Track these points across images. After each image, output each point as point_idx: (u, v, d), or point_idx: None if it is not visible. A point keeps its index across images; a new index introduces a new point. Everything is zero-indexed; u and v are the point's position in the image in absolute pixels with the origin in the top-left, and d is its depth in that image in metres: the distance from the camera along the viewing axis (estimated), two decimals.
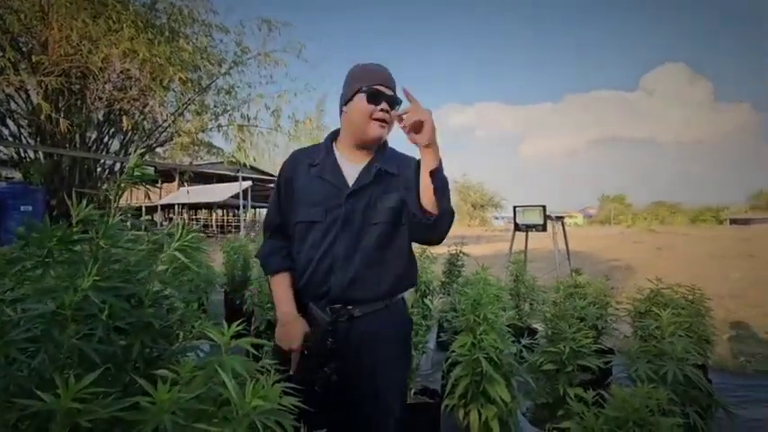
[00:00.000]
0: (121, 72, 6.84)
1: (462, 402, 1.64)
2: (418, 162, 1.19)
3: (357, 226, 1.23)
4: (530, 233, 4.57)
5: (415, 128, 1.09)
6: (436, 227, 1.14)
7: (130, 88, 7.28)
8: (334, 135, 1.38)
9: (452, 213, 1.17)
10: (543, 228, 4.20)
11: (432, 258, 3.52)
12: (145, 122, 8.24)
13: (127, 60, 6.55)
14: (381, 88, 1.24)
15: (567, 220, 4.81)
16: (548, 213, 4.30)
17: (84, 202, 0.85)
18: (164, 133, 8.75)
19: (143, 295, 0.84)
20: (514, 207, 4.43)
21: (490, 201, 51.55)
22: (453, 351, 1.66)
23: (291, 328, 1.22)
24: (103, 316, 0.76)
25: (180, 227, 0.87)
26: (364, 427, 1.25)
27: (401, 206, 1.25)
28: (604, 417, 1.22)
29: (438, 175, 1.11)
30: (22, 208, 7.49)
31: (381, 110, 1.23)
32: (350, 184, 1.26)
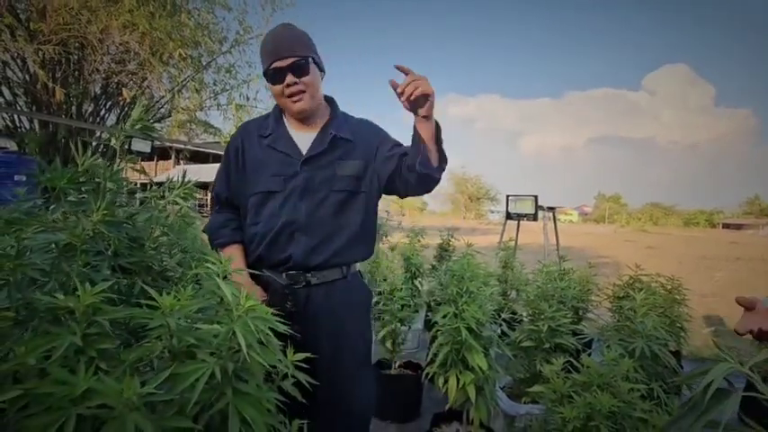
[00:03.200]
0: (120, 44, 6.77)
1: (443, 370, 1.73)
2: (374, 127, 1.34)
3: (317, 194, 1.24)
4: (522, 225, 4.66)
5: (419, 100, 1.06)
6: (438, 176, 1.22)
7: (129, 62, 7.22)
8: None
9: (441, 171, 1.23)
10: (534, 217, 4.28)
11: (424, 245, 3.61)
12: (143, 97, 8.19)
13: (126, 33, 6.48)
14: (277, 64, 1.19)
15: (561, 217, 4.90)
16: (539, 204, 4.39)
17: (89, 151, 0.91)
18: (161, 110, 8.70)
19: (145, 238, 0.90)
20: (507, 196, 4.51)
21: (487, 194, 51.75)
22: (436, 322, 1.74)
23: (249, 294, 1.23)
24: (109, 253, 0.83)
25: (180, 177, 0.93)
26: (326, 392, 1.23)
27: (362, 174, 1.28)
28: (572, 381, 1.31)
29: (439, 140, 1.16)
30: (15, 178, 7.47)
31: (287, 85, 1.20)
32: (303, 153, 1.26)
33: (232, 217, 1.33)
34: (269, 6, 8.18)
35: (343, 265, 1.29)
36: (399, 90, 1.06)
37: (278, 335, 1.07)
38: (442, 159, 1.20)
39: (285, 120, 1.33)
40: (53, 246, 0.78)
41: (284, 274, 1.24)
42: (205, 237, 1.36)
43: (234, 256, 1.26)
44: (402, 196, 1.34)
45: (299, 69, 1.20)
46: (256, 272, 1.24)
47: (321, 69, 1.30)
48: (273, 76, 1.21)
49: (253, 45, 8.58)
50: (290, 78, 1.19)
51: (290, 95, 1.22)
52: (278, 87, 1.22)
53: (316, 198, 1.24)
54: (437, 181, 1.24)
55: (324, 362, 1.23)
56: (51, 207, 0.82)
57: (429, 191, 1.29)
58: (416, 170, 1.15)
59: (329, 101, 1.39)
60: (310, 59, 1.23)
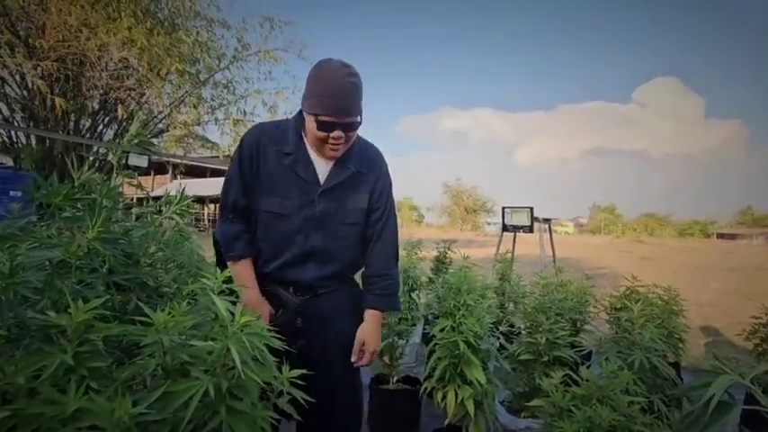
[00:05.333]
0: (119, 61, 6.84)
1: (441, 385, 1.71)
2: (381, 161, 1.41)
3: (333, 224, 1.29)
4: (518, 236, 4.68)
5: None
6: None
7: (127, 78, 7.29)
8: (302, 121, 1.28)
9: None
10: (530, 229, 4.30)
11: (421, 257, 3.60)
12: (141, 113, 8.22)
13: (125, 49, 6.55)
14: (333, 120, 1.16)
15: (557, 229, 4.93)
16: (535, 216, 4.41)
17: (86, 166, 0.91)
18: (159, 125, 8.74)
19: (140, 255, 0.89)
20: (503, 208, 4.53)
21: (483, 206, 51.88)
22: (434, 335, 1.73)
23: (258, 311, 1.25)
24: (104, 270, 0.82)
25: (177, 194, 0.93)
26: (334, 394, 1.33)
27: (366, 206, 1.34)
28: (571, 394, 1.30)
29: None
30: (11, 193, 7.43)
31: (334, 138, 1.19)
32: (321, 182, 1.27)
33: (245, 229, 1.30)
34: (267, 24, 8.33)
35: (347, 281, 1.40)
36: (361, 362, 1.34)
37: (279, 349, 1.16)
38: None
39: (305, 140, 1.29)
40: (47, 263, 0.78)
41: (291, 288, 1.29)
42: (203, 251, 1.37)
43: (246, 272, 1.27)
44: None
45: (351, 127, 1.22)
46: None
47: None
48: (324, 125, 1.17)
49: (250, 62, 8.69)
50: (337, 133, 1.19)
51: (332, 144, 1.22)
52: (322, 134, 1.19)
53: (331, 230, 1.29)
54: None
55: (334, 366, 1.33)
56: (47, 223, 0.82)
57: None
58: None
59: None
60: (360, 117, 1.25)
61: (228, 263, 1.26)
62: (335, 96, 1.16)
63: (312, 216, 1.26)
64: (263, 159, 1.26)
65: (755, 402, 0.63)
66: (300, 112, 1.29)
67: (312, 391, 1.27)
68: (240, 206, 1.29)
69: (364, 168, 1.33)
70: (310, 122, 1.20)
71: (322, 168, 1.28)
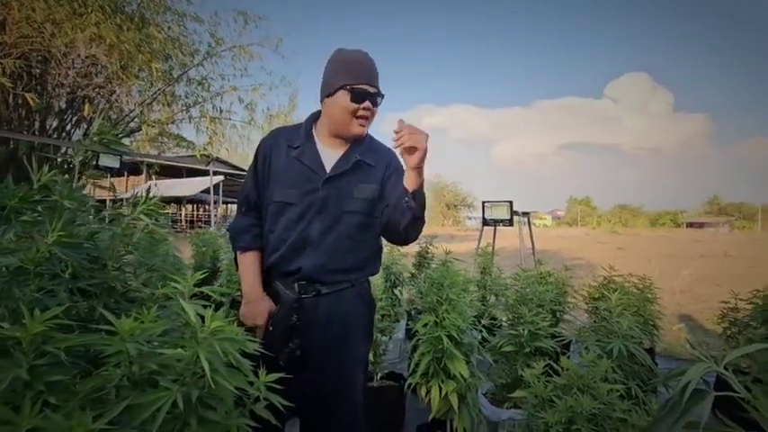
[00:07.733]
0: (87, 58, 6.56)
1: (425, 380, 1.71)
2: (393, 156, 1.35)
3: (332, 212, 1.27)
4: (498, 230, 4.73)
5: (408, 150, 1.13)
6: (407, 232, 1.23)
7: (96, 75, 7.00)
8: (315, 118, 1.38)
9: (423, 222, 1.25)
10: (510, 223, 4.35)
11: (403, 253, 3.60)
12: (111, 112, 7.93)
13: (93, 46, 6.29)
14: (366, 87, 1.25)
15: (536, 222, 5.02)
16: (514, 209, 4.47)
17: (46, 167, 0.86)
18: (131, 123, 8.45)
19: (107, 258, 0.85)
20: (483, 203, 4.57)
21: (463, 201, 52.46)
22: (417, 331, 1.72)
23: (256, 306, 1.27)
24: (66, 275, 0.78)
25: (144, 193, 0.89)
26: (330, 400, 1.29)
27: (377, 198, 1.31)
28: (552, 384, 1.32)
29: (418, 196, 1.18)
30: None
31: (364, 108, 1.26)
32: (327, 170, 1.29)
33: (255, 222, 1.36)
34: (241, 18, 8.13)
35: (351, 280, 1.33)
36: (396, 138, 1.14)
37: (283, 345, 1.18)
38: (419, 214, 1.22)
39: (315, 135, 1.36)
40: (4, 270, 0.73)
41: (296, 285, 1.27)
42: (180, 252, 1.33)
43: (250, 264, 1.32)
44: (393, 241, 1.37)
45: (376, 100, 1.29)
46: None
47: None
48: (358, 96, 1.24)
49: (225, 57, 8.47)
50: (368, 104, 1.26)
51: (360, 117, 1.27)
52: (354, 106, 1.25)
53: (330, 217, 1.27)
54: (418, 230, 1.26)
55: (330, 368, 1.28)
56: (3, 228, 0.77)
57: (393, 241, 1.36)
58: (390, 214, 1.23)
59: None
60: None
61: (237, 253, 1.34)
62: (364, 67, 1.27)
63: (314, 203, 1.27)
64: (275, 156, 1.33)
65: (728, 387, 0.64)
66: (312, 114, 1.38)
67: (308, 390, 1.24)
68: (252, 200, 1.36)
69: (371, 159, 1.33)
70: (341, 98, 1.25)
71: (329, 159, 1.31)
